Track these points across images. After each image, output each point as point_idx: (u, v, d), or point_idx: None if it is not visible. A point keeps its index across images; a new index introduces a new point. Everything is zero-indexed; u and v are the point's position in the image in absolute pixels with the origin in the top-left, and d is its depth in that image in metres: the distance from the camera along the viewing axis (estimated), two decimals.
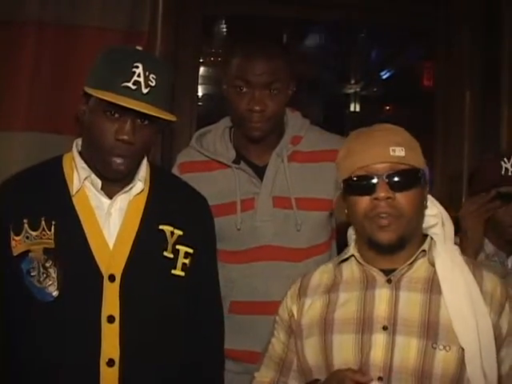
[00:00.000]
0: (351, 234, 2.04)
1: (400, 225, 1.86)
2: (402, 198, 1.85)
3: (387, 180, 1.84)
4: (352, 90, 6.82)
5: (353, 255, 1.99)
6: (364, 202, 1.86)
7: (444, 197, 4.55)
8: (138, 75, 2.00)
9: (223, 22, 6.10)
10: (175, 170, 2.64)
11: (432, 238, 1.96)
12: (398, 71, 6.37)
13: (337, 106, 6.85)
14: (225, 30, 6.19)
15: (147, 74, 2.01)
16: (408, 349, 1.82)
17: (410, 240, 1.90)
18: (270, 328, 2.49)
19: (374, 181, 1.84)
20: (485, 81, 4.17)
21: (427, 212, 1.96)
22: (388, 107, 6.65)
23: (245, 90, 2.47)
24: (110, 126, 2.02)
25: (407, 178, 1.86)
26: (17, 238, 2.08)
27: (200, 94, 6.28)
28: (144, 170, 2.18)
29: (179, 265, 2.18)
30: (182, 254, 2.18)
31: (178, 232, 2.18)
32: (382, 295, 1.88)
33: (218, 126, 2.71)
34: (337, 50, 6.43)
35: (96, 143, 2.04)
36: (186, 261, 2.19)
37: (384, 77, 6.55)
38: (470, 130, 4.14)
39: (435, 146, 4.38)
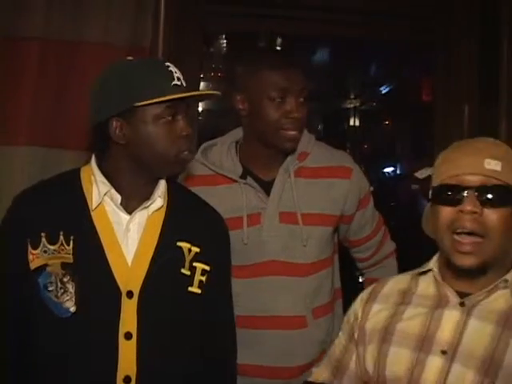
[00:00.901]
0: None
1: (484, 247, 1.73)
2: (491, 215, 1.72)
3: (477, 193, 1.71)
4: (352, 105, 6.85)
5: (431, 270, 1.90)
6: (448, 212, 1.75)
7: None
8: (175, 72, 2.10)
9: (223, 37, 6.14)
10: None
11: None
12: (397, 86, 6.40)
13: (336, 121, 6.87)
14: (226, 45, 6.23)
15: (176, 71, 2.11)
16: (462, 380, 1.71)
17: (495, 265, 1.77)
18: (274, 342, 2.51)
19: (463, 192, 1.73)
20: (483, 95, 4.19)
21: None
22: (387, 122, 6.67)
23: (279, 99, 2.48)
24: (171, 129, 2.08)
25: (499, 195, 1.72)
26: (34, 252, 2.06)
27: (200, 108, 6.32)
28: (163, 186, 2.18)
29: (196, 282, 2.17)
30: (198, 272, 2.18)
31: (196, 249, 2.18)
32: (451, 317, 1.78)
33: (223, 140, 2.71)
34: (337, 65, 6.46)
35: (157, 149, 2.08)
36: (203, 278, 2.18)
37: (383, 92, 6.58)
38: None
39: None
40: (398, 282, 1.97)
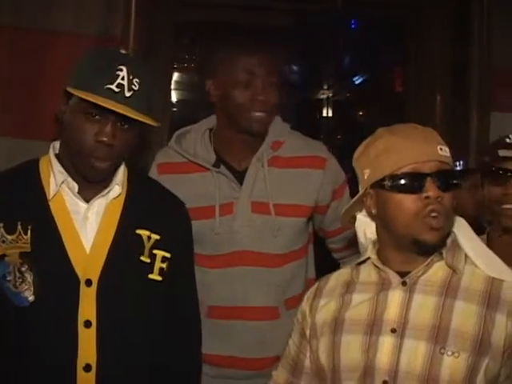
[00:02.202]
0: (366, 236, 2.00)
1: (447, 225, 1.83)
2: (447, 199, 1.81)
3: (436, 179, 1.79)
4: (324, 96, 6.86)
5: (369, 258, 1.95)
6: (412, 200, 1.80)
7: None
8: (122, 78, 1.99)
9: (196, 27, 6.12)
10: (153, 170, 2.62)
11: (453, 241, 1.90)
12: (370, 77, 6.41)
13: (309, 111, 6.88)
14: (199, 36, 6.20)
15: (131, 77, 2.00)
16: (415, 353, 1.77)
17: None
18: (246, 333, 2.51)
19: (425, 179, 1.79)
20: (454, 85, 4.22)
21: None
22: (361, 112, 6.69)
23: (247, 82, 2.47)
24: (90, 128, 2.00)
25: (452, 179, 1.83)
26: None
27: (174, 99, 6.30)
28: (122, 173, 2.16)
29: (156, 269, 2.16)
30: (159, 259, 2.17)
31: (155, 236, 2.17)
32: (394, 297, 1.84)
33: (197, 128, 2.67)
34: (310, 55, 6.46)
35: (76, 144, 2.02)
36: (163, 265, 2.18)
37: (357, 82, 6.59)
38: (441, 134, 4.18)
39: None
40: (339, 275, 2.03)
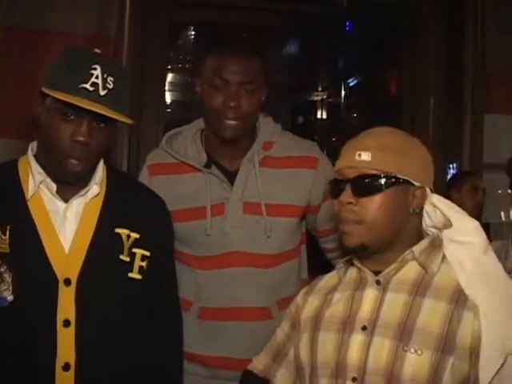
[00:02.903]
0: None
1: (361, 230, 1.85)
2: (366, 203, 1.83)
3: (350, 185, 1.84)
4: (319, 98, 6.86)
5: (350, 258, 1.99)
6: (336, 205, 1.89)
7: None
8: (96, 77, 1.98)
9: (191, 29, 6.12)
10: (144, 172, 2.62)
11: (433, 242, 1.91)
12: (364, 79, 6.42)
13: (303, 113, 6.88)
14: (192, 37, 6.20)
15: (105, 76, 1.99)
16: (381, 350, 1.79)
17: (394, 242, 1.87)
18: (238, 334, 2.50)
19: (342, 185, 1.86)
20: (449, 88, 4.23)
21: (432, 214, 1.93)
22: (355, 114, 6.69)
23: (220, 87, 2.46)
24: (66, 128, 2.00)
25: (370, 184, 1.83)
26: None
27: (168, 100, 6.29)
28: (100, 172, 2.16)
29: (136, 268, 2.16)
30: (138, 257, 2.17)
31: (135, 235, 2.17)
32: (368, 296, 1.88)
33: (189, 128, 2.67)
34: (304, 57, 6.46)
35: (52, 145, 2.02)
36: (143, 264, 2.17)
37: (351, 84, 6.59)
38: (434, 136, 4.20)
39: None
40: (333, 274, 2.06)
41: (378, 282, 1.87)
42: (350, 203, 1.84)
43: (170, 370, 2.30)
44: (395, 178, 1.84)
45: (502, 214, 4.21)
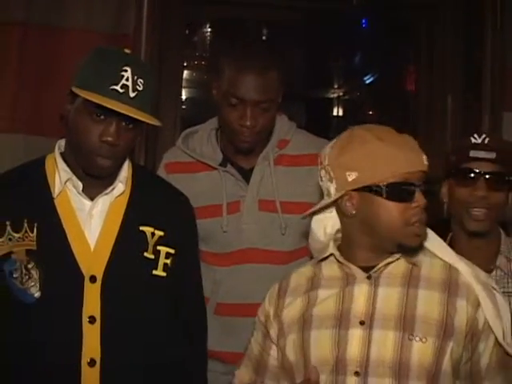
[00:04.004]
0: (329, 232, 2.06)
1: (425, 229, 1.95)
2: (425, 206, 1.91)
3: (422, 189, 1.89)
4: (335, 95, 6.84)
5: (332, 254, 2.00)
6: (402, 208, 1.88)
7: (427, 202, 4.59)
8: (127, 79, 2.01)
9: (208, 25, 6.11)
10: (161, 170, 2.64)
11: None
12: (381, 76, 6.39)
13: (320, 110, 6.86)
14: (209, 33, 6.20)
15: (135, 78, 2.02)
16: (385, 342, 1.84)
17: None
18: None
19: (415, 189, 1.88)
20: (467, 86, 4.20)
21: None
22: (371, 112, 6.67)
23: (236, 104, 2.46)
24: (95, 127, 2.03)
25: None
26: (0, 240, 2.09)
27: (184, 97, 6.30)
28: (125, 171, 2.18)
29: (160, 265, 2.18)
30: (163, 255, 2.19)
31: (159, 233, 2.19)
32: (361, 291, 1.91)
33: (205, 127, 2.69)
34: (321, 54, 6.45)
35: (80, 143, 2.05)
36: (168, 261, 2.20)
37: (367, 81, 6.57)
38: (452, 134, 4.18)
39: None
40: (300, 274, 2.08)
41: (368, 277, 1.92)
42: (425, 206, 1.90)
43: (195, 368, 2.32)
44: None
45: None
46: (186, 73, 6.17)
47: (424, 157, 1.91)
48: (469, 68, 4.21)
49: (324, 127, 6.61)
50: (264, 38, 5.63)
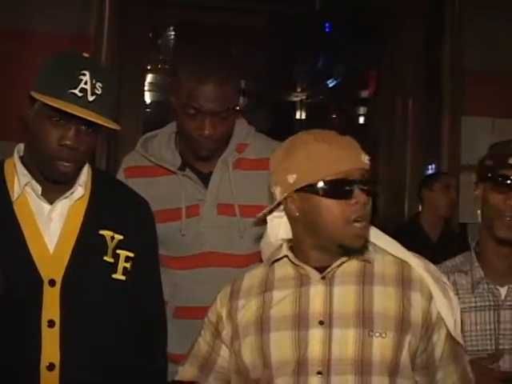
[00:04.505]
0: (282, 235, 2.05)
1: (368, 229, 1.93)
2: (369, 204, 1.90)
3: (362, 185, 1.87)
4: (298, 98, 6.88)
5: (286, 256, 1.99)
6: (341, 206, 1.87)
7: (387, 204, 4.65)
8: (85, 83, 2.00)
9: (172, 29, 6.12)
10: (120, 175, 2.63)
11: None
12: (343, 80, 6.44)
13: (283, 114, 6.90)
14: (173, 37, 6.20)
15: (94, 81, 2.01)
16: (345, 340, 1.85)
17: None
18: None
19: (353, 186, 1.87)
20: (427, 89, 4.26)
21: None
22: (334, 115, 6.72)
23: (194, 114, 2.46)
24: (54, 132, 2.01)
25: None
26: None
27: (149, 100, 6.29)
28: (85, 174, 2.17)
29: (120, 269, 2.17)
30: (122, 259, 2.18)
31: (119, 237, 2.18)
32: (317, 292, 1.91)
33: (164, 132, 2.69)
34: (284, 58, 6.48)
35: (39, 147, 2.03)
36: (127, 265, 2.18)
37: (330, 85, 6.62)
38: (413, 138, 4.23)
39: (379, 153, 4.47)
40: (253, 275, 2.07)
41: (323, 278, 1.91)
42: (366, 203, 1.88)
43: (154, 371, 2.31)
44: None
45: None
46: (150, 76, 6.17)
47: (364, 155, 1.90)
48: (429, 72, 4.27)
49: (287, 130, 6.62)
50: (227, 42, 5.63)
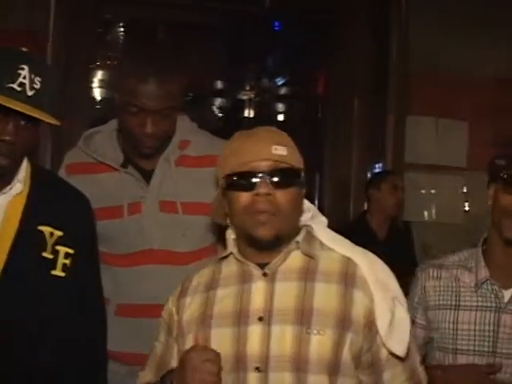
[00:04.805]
0: (230, 233, 2.05)
1: (277, 221, 1.90)
2: (281, 196, 1.89)
3: (269, 177, 1.88)
4: (247, 97, 6.91)
5: (231, 253, 2.00)
6: (245, 197, 1.89)
7: (333, 203, 4.70)
8: (24, 77, 2.00)
9: (121, 25, 6.09)
10: (62, 171, 2.61)
11: (308, 232, 2.01)
12: (292, 78, 6.48)
13: (231, 112, 6.91)
14: (123, 33, 6.18)
15: (32, 76, 2.01)
16: (283, 337, 1.86)
17: (287, 236, 1.93)
18: (155, 331, 2.52)
19: (256, 177, 1.88)
20: (373, 90, 4.32)
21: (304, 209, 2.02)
22: (282, 113, 6.76)
23: (136, 112, 2.45)
24: None
25: (287, 177, 1.91)
26: None
27: (99, 97, 6.26)
28: (24, 170, 2.15)
29: (59, 265, 2.16)
30: (61, 255, 2.17)
31: (58, 233, 2.17)
32: (258, 288, 1.92)
33: (106, 128, 2.67)
34: (232, 56, 6.50)
35: None
36: (67, 261, 2.17)
37: (279, 83, 6.65)
38: (359, 137, 4.28)
39: (324, 153, 4.51)
40: (202, 273, 2.08)
41: (264, 274, 1.93)
42: (269, 194, 1.87)
43: (93, 368, 2.30)
44: (301, 174, 1.94)
45: (425, 213, 4.33)
46: (100, 73, 6.13)
47: (274, 147, 1.90)
48: (375, 72, 4.33)
49: (235, 128, 6.63)
50: (175, 39, 5.63)
